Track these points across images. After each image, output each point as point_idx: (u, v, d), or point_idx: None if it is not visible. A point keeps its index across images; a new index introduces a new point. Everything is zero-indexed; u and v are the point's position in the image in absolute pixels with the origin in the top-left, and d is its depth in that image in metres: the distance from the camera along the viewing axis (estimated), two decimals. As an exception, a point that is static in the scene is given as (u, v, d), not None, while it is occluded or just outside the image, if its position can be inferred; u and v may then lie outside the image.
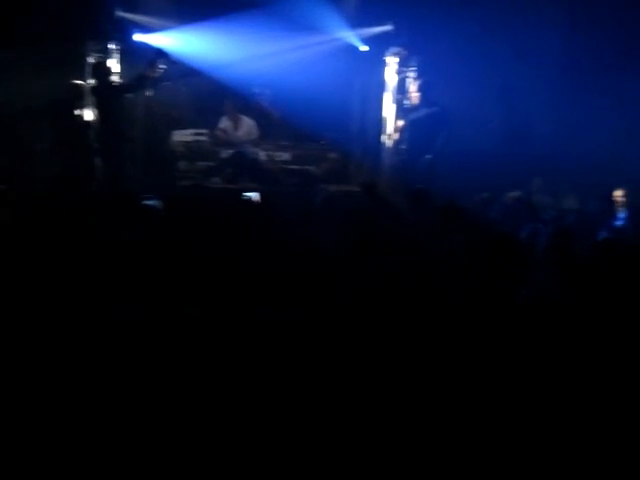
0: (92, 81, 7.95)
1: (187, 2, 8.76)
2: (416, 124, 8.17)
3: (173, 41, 8.73)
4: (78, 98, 7.92)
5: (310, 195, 6.55)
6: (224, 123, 9.17)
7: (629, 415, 2.59)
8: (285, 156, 8.96)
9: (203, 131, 9.06)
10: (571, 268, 3.86)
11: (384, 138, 8.81)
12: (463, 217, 5.04)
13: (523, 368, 2.80)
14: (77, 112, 7.94)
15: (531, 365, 2.81)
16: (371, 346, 2.89)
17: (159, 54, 7.78)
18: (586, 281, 3.59)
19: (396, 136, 8.49)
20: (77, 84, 7.99)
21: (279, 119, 9.21)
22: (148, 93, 8.29)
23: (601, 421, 2.56)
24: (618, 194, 6.89)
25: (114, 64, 8.43)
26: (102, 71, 7.98)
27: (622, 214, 5.72)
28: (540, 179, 8.33)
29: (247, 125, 9.17)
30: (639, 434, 2.52)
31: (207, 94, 9.31)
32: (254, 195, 5.54)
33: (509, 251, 3.54)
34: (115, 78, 8.22)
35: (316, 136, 9.10)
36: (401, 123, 8.43)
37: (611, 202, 6.73)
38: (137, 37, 8.72)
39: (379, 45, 8.95)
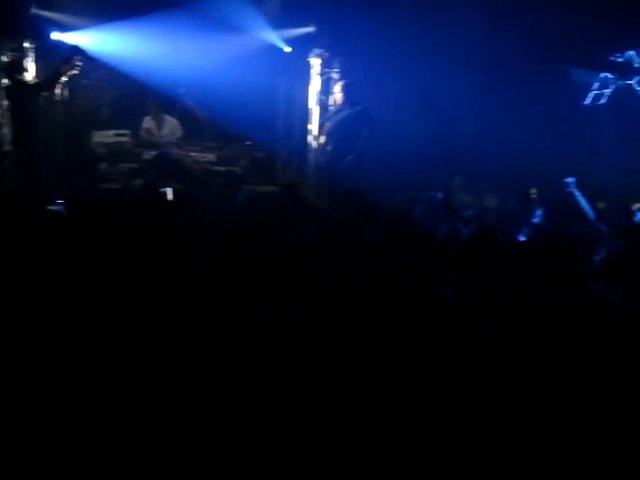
0: (5, 80, 7.68)
1: (106, 0, 8.57)
2: (339, 125, 8.25)
3: (92, 40, 8.51)
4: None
5: (235, 195, 6.52)
6: (147, 123, 9.03)
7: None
8: (210, 157, 8.87)
9: (125, 132, 8.88)
10: (494, 266, 3.91)
11: (310, 139, 8.86)
12: (382, 217, 5.11)
13: (446, 368, 2.83)
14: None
15: (454, 365, 2.83)
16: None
17: (75, 51, 7.59)
18: (510, 279, 3.64)
19: (322, 139, 8.56)
20: None
21: (205, 120, 9.12)
22: (65, 92, 8.08)
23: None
24: (534, 192, 7.19)
25: (29, 63, 8.18)
26: (16, 70, 7.71)
27: (539, 211, 5.92)
28: (461, 178, 8.53)
29: (171, 125, 9.05)
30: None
31: (129, 94, 9.14)
32: (168, 191, 5.45)
33: (427, 250, 3.57)
34: (30, 77, 7.96)
35: (241, 137, 9.06)
36: (326, 124, 8.50)
37: (528, 200, 6.98)
38: (54, 35, 8.46)
39: (302, 46, 9.00)
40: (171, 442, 2.54)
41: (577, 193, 6.31)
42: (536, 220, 5.82)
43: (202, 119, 9.12)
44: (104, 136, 8.82)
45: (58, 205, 4.48)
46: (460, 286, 3.84)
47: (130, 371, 2.77)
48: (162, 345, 2.87)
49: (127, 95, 9.14)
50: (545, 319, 3.11)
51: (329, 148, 8.41)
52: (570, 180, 6.98)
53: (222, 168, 8.67)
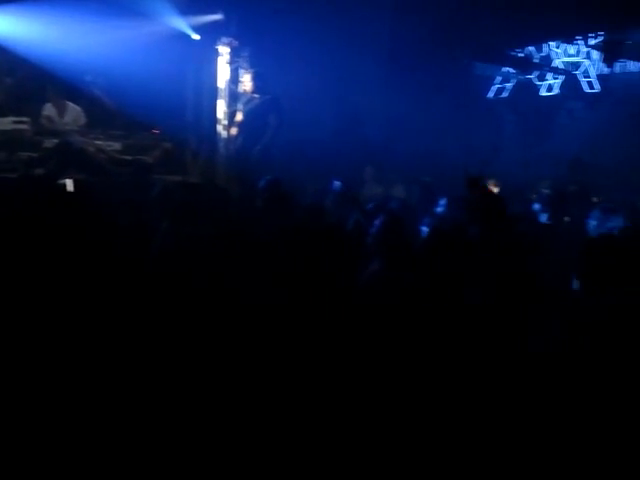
0: None
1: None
2: (249, 114, 8.19)
3: None
4: None
5: (144, 185, 6.35)
6: (48, 110, 8.66)
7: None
8: (116, 145, 8.58)
9: (24, 119, 8.47)
10: (402, 256, 3.97)
11: (219, 128, 8.76)
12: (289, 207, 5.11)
13: (360, 360, 2.84)
14: None
15: (371, 355, 2.85)
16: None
17: None
18: (419, 268, 3.70)
19: (234, 129, 8.47)
20: None
21: (113, 108, 8.83)
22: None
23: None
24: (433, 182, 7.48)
25: None
26: None
27: (442, 201, 6.05)
28: (371, 168, 8.64)
29: (74, 112, 8.71)
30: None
31: (28, 79, 8.75)
32: (68, 182, 5.23)
33: (335, 241, 3.57)
34: None
35: (149, 125, 8.84)
36: (237, 114, 8.42)
37: (431, 190, 7.17)
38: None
39: (211, 34, 8.88)
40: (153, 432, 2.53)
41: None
42: (439, 210, 5.94)
43: (110, 107, 8.84)
44: (1, 123, 8.39)
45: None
46: (371, 276, 3.89)
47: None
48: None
49: (26, 80, 8.74)
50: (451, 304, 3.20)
51: (240, 138, 8.34)
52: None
53: (129, 157, 8.42)
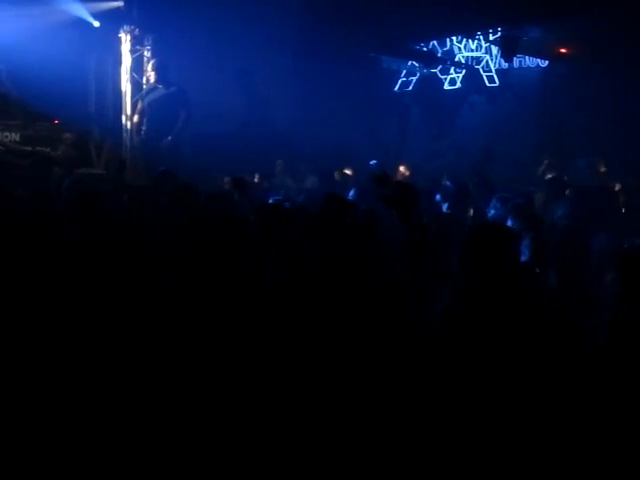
0: None
1: None
2: (154, 105, 8.00)
3: None
4: None
5: (46, 178, 6.13)
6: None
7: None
8: (14, 136, 8.23)
9: None
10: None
11: (123, 119, 8.53)
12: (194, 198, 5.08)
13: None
14: None
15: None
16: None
17: None
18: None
19: (136, 117, 8.26)
20: None
21: (17, 97, 8.40)
22: None
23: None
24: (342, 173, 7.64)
25: None
26: None
27: (352, 191, 6.16)
28: (282, 162, 8.64)
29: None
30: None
31: None
32: None
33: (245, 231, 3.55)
34: None
35: (49, 116, 8.50)
36: (139, 102, 8.21)
37: (333, 181, 7.32)
38: None
39: (111, 22, 8.61)
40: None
41: None
42: (350, 198, 6.06)
43: (13, 96, 8.39)
44: None
45: None
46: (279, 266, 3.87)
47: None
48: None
49: None
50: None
51: (143, 128, 8.14)
52: (373, 163, 7.46)
53: (29, 148, 8.08)
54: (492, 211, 5.14)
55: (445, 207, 6.07)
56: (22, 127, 8.37)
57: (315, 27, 9.42)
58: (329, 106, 9.87)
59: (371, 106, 10.67)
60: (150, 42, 8.46)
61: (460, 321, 2.71)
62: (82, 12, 8.58)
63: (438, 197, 6.40)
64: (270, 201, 5.43)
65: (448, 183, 6.61)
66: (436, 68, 11.35)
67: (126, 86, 8.53)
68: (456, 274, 3.23)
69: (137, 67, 8.58)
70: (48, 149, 8.25)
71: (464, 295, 2.81)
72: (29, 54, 7.95)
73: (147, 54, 8.58)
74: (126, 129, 8.48)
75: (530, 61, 11.14)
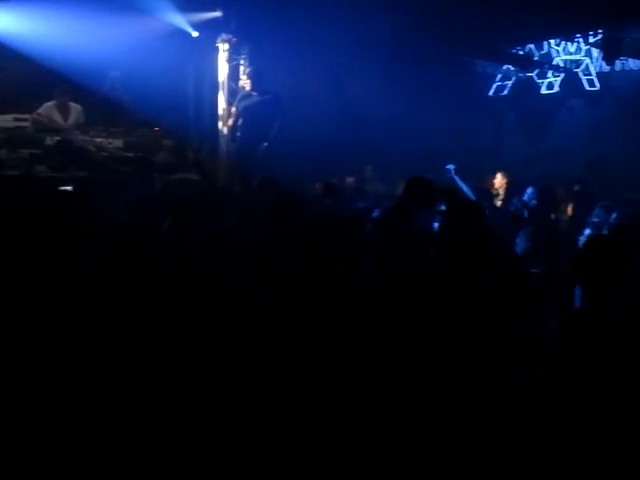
0: None
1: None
2: (249, 111, 8.18)
3: None
4: None
5: (145, 183, 6.36)
6: (49, 108, 8.64)
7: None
8: (117, 143, 8.59)
9: (26, 116, 8.46)
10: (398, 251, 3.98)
11: (220, 125, 8.76)
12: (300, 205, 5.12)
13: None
14: None
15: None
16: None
17: None
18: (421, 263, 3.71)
19: (229, 122, 8.47)
20: None
21: (127, 103, 8.78)
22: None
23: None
24: None
25: None
26: None
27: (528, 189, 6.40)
28: (372, 167, 8.65)
29: (75, 111, 8.70)
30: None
31: (29, 77, 8.71)
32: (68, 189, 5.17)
33: (340, 236, 3.59)
34: None
35: (150, 123, 8.83)
36: (233, 109, 8.41)
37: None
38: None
39: (210, 31, 8.87)
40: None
41: (457, 179, 6.83)
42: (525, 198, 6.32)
43: (125, 103, 8.77)
44: (3, 121, 8.38)
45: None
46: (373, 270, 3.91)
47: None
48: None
49: (27, 77, 8.70)
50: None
51: (238, 134, 8.33)
52: (450, 167, 7.38)
53: (130, 154, 8.42)
54: (595, 219, 5.08)
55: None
56: (125, 134, 8.72)
57: (409, 31, 9.38)
58: (422, 111, 9.79)
59: (464, 111, 10.52)
60: (247, 51, 8.65)
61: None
62: (181, 22, 8.89)
63: (524, 201, 6.39)
64: (360, 206, 5.47)
65: (530, 190, 6.61)
66: (532, 72, 11.08)
67: (223, 94, 8.76)
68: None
69: (234, 75, 8.80)
70: (148, 154, 8.55)
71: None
72: (136, 63, 8.29)
73: (243, 62, 8.78)
74: (222, 136, 8.71)
75: (633, 63, 10.69)
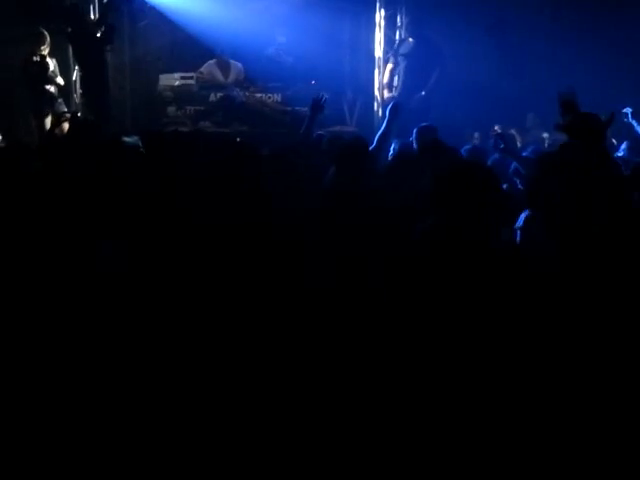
0: (67, 27, 7.67)
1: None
2: (407, 61, 8.02)
3: None
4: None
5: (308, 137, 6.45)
6: (210, 66, 8.98)
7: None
8: (276, 97, 8.81)
9: (191, 74, 8.84)
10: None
11: (375, 76, 8.70)
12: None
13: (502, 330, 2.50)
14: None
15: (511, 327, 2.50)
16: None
17: (108, 4, 7.81)
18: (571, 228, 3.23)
19: (387, 74, 8.36)
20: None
21: (289, 65, 9.01)
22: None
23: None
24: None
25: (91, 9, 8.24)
26: (75, 16, 7.68)
27: (623, 145, 5.68)
28: (533, 115, 8.26)
29: (234, 67, 8.99)
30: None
31: (187, 38, 9.07)
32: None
33: (484, 183, 2.89)
34: (91, 22, 7.96)
35: (306, 77, 8.94)
36: (391, 60, 8.29)
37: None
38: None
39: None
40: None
41: (635, 123, 6.14)
42: (620, 154, 5.63)
43: (286, 65, 9.00)
44: (170, 79, 8.80)
45: (133, 138, 4.49)
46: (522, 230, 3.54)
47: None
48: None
49: (186, 39, 9.07)
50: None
51: (395, 85, 8.20)
52: (627, 110, 6.71)
53: (288, 108, 8.60)
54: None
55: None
56: (283, 89, 8.90)
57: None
58: (588, 61, 9.15)
59: (636, 60, 9.73)
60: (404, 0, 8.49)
61: None
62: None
63: None
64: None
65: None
66: None
67: (379, 45, 8.67)
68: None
69: (390, 25, 8.68)
70: (305, 108, 8.66)
71: None
72: (299, 25, 8.53)
73: (400, 13, 8.63)
74: (379, 87, 8.64)
75: None
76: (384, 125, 5.06)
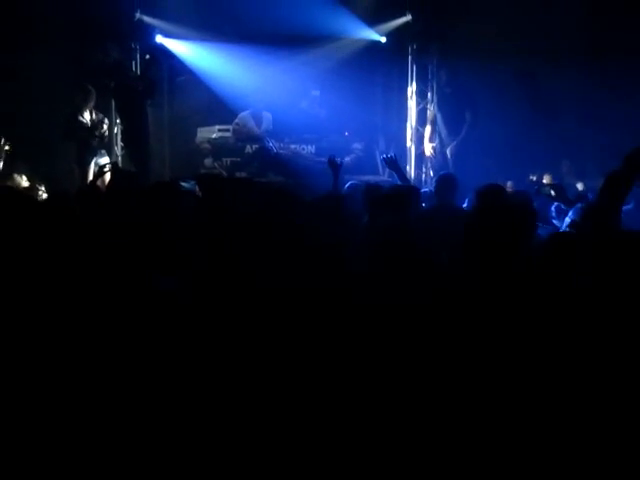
0: (111, 81, 7.97)
1: (210, 20, 8.57)
2: (442, 111, 8.15)
3: (191, 51, 8.94)
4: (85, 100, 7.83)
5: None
6: (245, 117, 9.20)
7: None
8: (310, 148, 9.00)
9: (228, 127, 9.09)
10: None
11: (408, 127, 8.84)
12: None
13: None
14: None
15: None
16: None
17: (150, 60, 8.08)
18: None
19: (428, 127, 8.46)
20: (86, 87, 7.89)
21: (323, 117, 9.26)
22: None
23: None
24: None
25: (134, 65, 8.57)
26: (119, 71, 8.00)
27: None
28: (568, 161, 8.28)
29: (266, 118, 9.21)
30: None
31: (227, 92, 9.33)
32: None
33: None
34: (135, 78, 8.24)
35: (340, 128, 9.13)
36: (430, 111, 8.43)
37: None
38: (159, 39, 8.75)
39: (398, 35, 8.95)
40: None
41: None
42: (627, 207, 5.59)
43: (320, 117, 9.25)
44: (208, 132, 9.06)
45: (189, 183, 4.65)
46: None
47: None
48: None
49: (222, 93, 9.33)
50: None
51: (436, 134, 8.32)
52: None
53: (323, 159, 8.74)
54: None
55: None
56: (317, 140, 9.09)
57: (607, 26, 8.88)
58: (619, 107, 9.18)
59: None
60: (435, 50, 8.65)
61: None
62: (372, 34, 9.02)
63: None
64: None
65: None
66: None
67: (411, 97, 8.83)
68: None
69: (422, 76, 8.83)
70: (339, 159, 8.80)
71: None
72: (332, 80, 8.88)
73: (431, 64, 8.80)
74: (411, 138, 8.77)
75: None
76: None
